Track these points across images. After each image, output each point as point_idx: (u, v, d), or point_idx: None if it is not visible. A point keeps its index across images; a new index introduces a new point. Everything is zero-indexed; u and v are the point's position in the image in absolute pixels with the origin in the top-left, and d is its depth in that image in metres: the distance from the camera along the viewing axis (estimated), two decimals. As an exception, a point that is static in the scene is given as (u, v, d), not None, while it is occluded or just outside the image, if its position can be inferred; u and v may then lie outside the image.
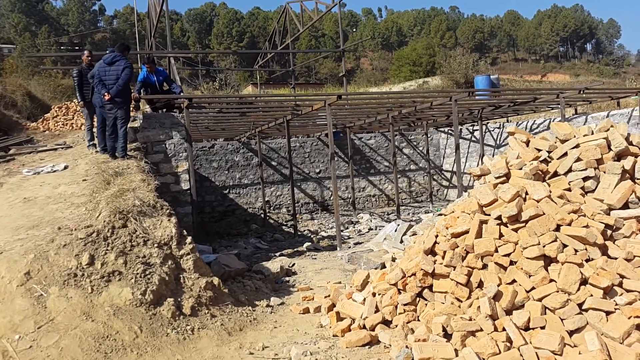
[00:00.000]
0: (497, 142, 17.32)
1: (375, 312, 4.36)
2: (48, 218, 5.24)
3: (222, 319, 4.41)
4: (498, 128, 17.44)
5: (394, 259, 6.91)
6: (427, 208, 16.50)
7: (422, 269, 4.35)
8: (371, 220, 13.37)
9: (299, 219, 16.17)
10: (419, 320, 4.25)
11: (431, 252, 4.61)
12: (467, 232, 4.44)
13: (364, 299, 4.55)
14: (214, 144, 16.64)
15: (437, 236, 4.68)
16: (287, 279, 7.69)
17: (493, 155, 17.72)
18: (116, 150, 7.66)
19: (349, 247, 10.37)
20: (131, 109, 8.19)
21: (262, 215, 16.10)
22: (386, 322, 4.34)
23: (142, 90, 9.07)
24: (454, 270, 4.27)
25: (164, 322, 4.01)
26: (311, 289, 6.71)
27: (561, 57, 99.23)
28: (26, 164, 8.51)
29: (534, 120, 16.36)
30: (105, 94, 7.39)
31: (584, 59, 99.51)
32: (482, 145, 15.85)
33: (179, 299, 4.30)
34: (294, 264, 8.49)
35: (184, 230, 4.97)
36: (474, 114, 15.23)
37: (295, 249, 10.64)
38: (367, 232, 12.46)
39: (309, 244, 10.78)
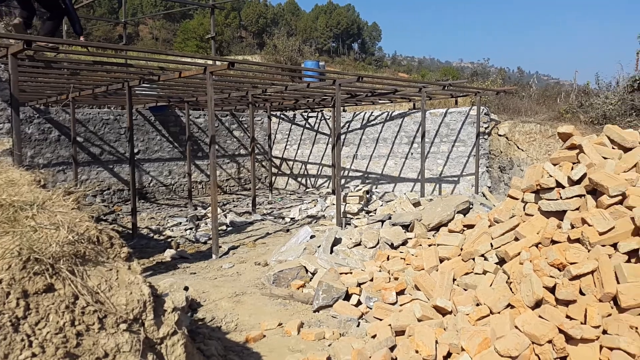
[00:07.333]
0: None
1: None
2: None
3: None
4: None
5: (360, 284, 5.37)
6: (268, 199, 15.03)
7: (564, 333, 2.97)
8: (225, 216, 11.29)
9: (118, 210, 13.02)
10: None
11: (540, 302, 3.27)
12: (593, 272, 3.22)
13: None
14: (-6, 108, 12.15)
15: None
16: (196, 316, 5.46)
17: (328, 144, 17.18)
18: None
19: (226, 254, 8.34)
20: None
21: (71, 207, 12.42)
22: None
23: None
24: (604, 333, 3.00)
25: None
26: (264, 335, 4.71)
27: (333, 52, 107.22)
28: None
29: (372, 112, 16.27)
30: None
31: (352, 57, 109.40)
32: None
33: None
34: (186, 288, 6.17)
35: (157, 285, 2.59)
36: (326, 101, 14.27)
37: (155, 259, 8.10)
38: (227, 229, 10.44)
39: (172, 251, 8.33)
